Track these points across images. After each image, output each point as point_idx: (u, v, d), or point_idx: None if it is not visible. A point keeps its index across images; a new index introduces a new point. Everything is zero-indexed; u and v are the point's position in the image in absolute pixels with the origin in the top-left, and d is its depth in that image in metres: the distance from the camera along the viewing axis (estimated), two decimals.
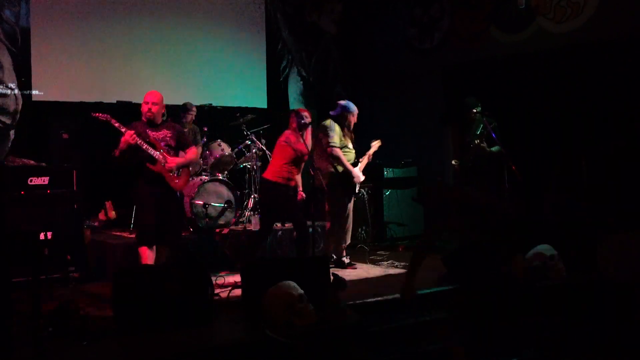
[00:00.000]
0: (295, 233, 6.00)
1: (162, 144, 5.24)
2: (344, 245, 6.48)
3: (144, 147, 5.09)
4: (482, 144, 6.77)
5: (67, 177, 5.96)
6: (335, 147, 6.20)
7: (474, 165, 6.95)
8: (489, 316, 5.07)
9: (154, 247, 5.20)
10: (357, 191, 6.46)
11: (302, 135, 5.80)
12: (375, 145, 6.62)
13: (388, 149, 6.89)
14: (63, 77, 7.56)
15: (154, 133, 5.22)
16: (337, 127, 6.29)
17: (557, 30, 7.34)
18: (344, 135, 6.33)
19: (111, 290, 4.45)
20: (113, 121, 5.06)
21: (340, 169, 6.24)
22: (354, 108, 6.37)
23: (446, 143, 8.12)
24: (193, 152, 5.46)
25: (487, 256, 5.73)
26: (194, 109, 7.37)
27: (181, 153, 5.40)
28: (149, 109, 5.19)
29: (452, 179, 7.60)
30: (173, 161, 5.24)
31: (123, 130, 5.04)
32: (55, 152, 6.99)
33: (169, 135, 5.29)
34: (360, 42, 9.72)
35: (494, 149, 6.81)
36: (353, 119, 6.38)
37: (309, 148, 5.84)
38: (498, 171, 6.85)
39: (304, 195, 5.97)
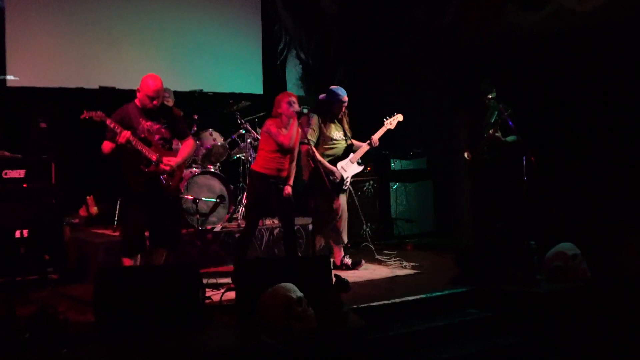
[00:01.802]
0: (282, 230, 5.96)
1: (157, 137, 5.12)
2: (341, 245, 6.47)
3: (138, 147, 4.96)
4: (496, 134, 6.74)
5: (45, 170, 5.94)
6: (306, 143, 6.00)
7: (488, 157, 6.92)
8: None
9: (138, 257, 5.17)
10: (344, 187, 6.38)
11: (287, 124, 5.70)
12: (387, 126, 6.47)
13: (395, 138, 6.85)
14: (41, 60, 7.52)
15: (148, 123, 5.08)
16: (315, 119, 6.24)
17: (580, 9, 7.27)
18: (328, 127, 6.29)
19: (93, 293, 4.43)
20: (109, 121, 4.88)
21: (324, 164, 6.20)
22: (341, 95, 6.27)
23: (458, 132, 8.09)
24: (190, 145, 5.32)
25: (500, 255, 5.75)
26: (168, 94, 7.27)
27: (175, 142, 5.32)
28: (155, 105, 5.05)
29: (464, 171, 7.58)
30: (170, 162, 5.10)
31: (118, 130, 4.87)
32: (32, 143, 6.96)
33: (165, 124, 5.17)
34: (364, 22, 9.68)
35: (510, 138, 6.78)
36: (340, 107, 6.30)
37: (293, 140, 5.68)
38: (515, 163, 6.83)
39: (289, 190, 5.82)
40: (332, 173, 6.25)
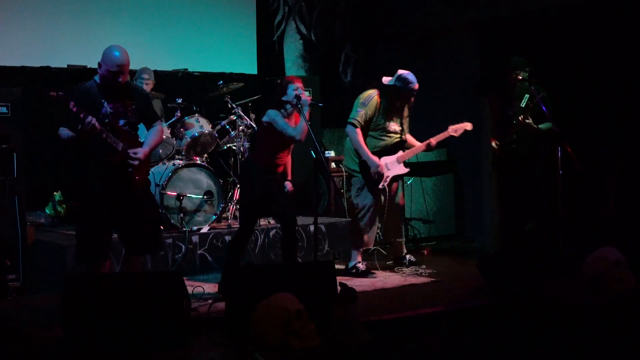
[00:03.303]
0: (281, 231, 6.01)
1: (121, 121, 5.03)
2: (361, 249, 6.59)
3: (103, 135, 4.88)
4: (527, 120, 6.75)
5: (6, 162, 5.95)
6: (351, 123, 6.34)
7: (519, 148, 6.93)
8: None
9: (105, 262, 5.12)
10: (381, 185, 6.45)
11: (290, 114, 5.74)
12: (451, 132, 6.59)
13: (411, 126, 6.86)
14: (0, 36, 7.54)
15: (111, 105, 4.99)
16: (373, 102, 6.39)
17: None
18: (386, 115, 6.40)
19: (61, 304, 4.45)
20: (72, 104, 4.77)
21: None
22: (412, 81, 6.39)
23: (484, 118, 8.10)
24: (160, 131, 5.29)
25: (531, 262, 5.76)
26: (147, 75, 7.28)
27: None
28: (119, 80, 4.92)
29: (491, 164, 7.59)
30: (138, 154, 5.00)
31: (82, 116, 4.76)
32: None
33: (131, 107, 5.08)
34: None
35: (544, 126, 6.78)
36: (408, 96, 6.43)
37: (305, 134, 5.71)
38: (549, 155, 6.83)
39: (292, 187, 5.90)
40: (375, 166, 6.34)
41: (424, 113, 6.78)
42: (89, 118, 4.78)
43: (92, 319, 4.35)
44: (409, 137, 6.65)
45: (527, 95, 6.85)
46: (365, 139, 6.41)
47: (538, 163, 6.99)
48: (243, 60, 8.99)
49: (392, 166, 6.48)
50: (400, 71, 6.45)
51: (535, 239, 6.78)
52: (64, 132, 4.96)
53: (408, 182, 8.27)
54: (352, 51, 9.66)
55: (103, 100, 4.98)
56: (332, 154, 8.43)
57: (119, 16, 8.16)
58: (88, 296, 4.40)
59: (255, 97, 7.66)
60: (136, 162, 5.02)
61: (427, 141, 6.53)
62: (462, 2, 8.69)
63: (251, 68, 9.06)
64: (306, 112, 5.65)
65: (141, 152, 5.05)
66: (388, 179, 6.47)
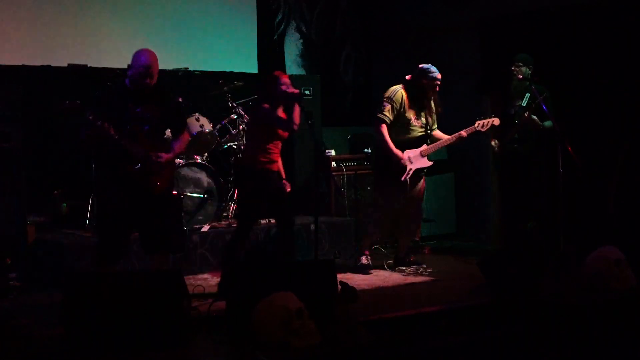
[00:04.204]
0: (278, 230, 6.03)
1: (145, 127, 4.99)
2: (369, 240, 6.73)
3: (122, 142, 4.85)
4: (532, 116, 6.74)
5: (7, 161, 5.96)
6: (380, 120, 6.41)
7: (520, 147, 6.93)
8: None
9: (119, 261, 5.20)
10: (403, 178, 6.47)
11: (277, 108, 5.74)
12: (478, 127, 6.58)
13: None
14: (1, 35, 7.54)
15: (137, 109, 4.97)
16: (398, 96, 6.46)
17: None
18: (411, 108, 6.46)
19: (61, 303, 4.45)
20: (89, 114, 4.74)
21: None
22: (433, 71, 6.45)
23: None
24: (186, 140, 5.32)
25: (532, 261, 5.77)
26: None
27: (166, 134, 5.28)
28: (147, 81, 4.90)
29: (492, 163, 7.60)
30: (160, 158, 4.99)
31: (99, 124, 4.76)
32: None
33: (157, 112, 5.05)
34: None
35: (547, 123, 6.78)
36: (432, 86, 6.47)
37: (293, 124, 5.70)
38: (549, 154, 6.83)
39: (289, 187, 5.93)
40: (398, 159, 6.38)
41: (472, 132, 6.78)
42: (104, 126, 4.77)
43: (92, 318, 4.36)
44: (437, 132, 6.68)
45: (528, 94, 6.85)
46: (391, 134, 6.45)
47: (539, 162, 6.99)
48: (244, 59, 8.98)
49: (415, 159, 6.50)
50: (420, 65, 6.52)
51: (535, 239, 6.78)
52: (86, 136, 4.96)
53: None
54: (353, 50, 9.65)
55: (129, 104, 4.97)
56: (332, 153, 8.42)
57: (120, 15, 8.15)
58: (88, 295, 4.42)
59: (256, 96, 7.65)
60: (156, 167, 4.99)
61: (458, 133, 6.56)
62: (463, 1, 8.69)
63: (252, 67, 9.05)
64: (294, 106, 5.65)
65: (164, 157, 5.04)
66: (411, 172, 6.49)
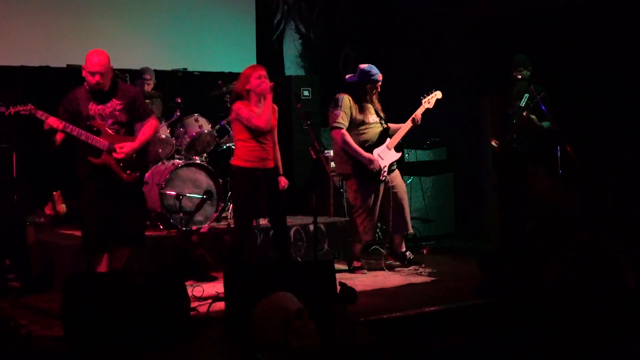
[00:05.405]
0: (272, 227, 6.05)
1: (110, 121, 5.18)
2: (359, 245, 6.63)
3: (82, 137, 5.04)
4: (531, 115, 6.75)
5: (5, 161, 5.97)
6: (338, 128, 6.40)
7: (519, 146, 6.94)
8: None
9: (104, 255, 5.25)
10: (382, 177, 6.50)
11: (258, 103, 5.73)
12: (425, 105, 6.59)
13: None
14: (0, 36, 7.54)
15: (99, 107, 5.16)
16: (346, 101, 6.45)
17: None
18: (360, 110, 6.46)
19: (60, 303, 4.45)
20: (37, 112, 4.97)
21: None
22: (375, 73, 6.50)
23: (484, 117, 8.11)
24: (152, 126, 5.38)
25: (531, 261, 5.77)
26: (149, 75, 7.30)
27: (137, 126, 5.36)
28: (97, 82, 5.11)
29: (491, 163, 7.60)
30: (124, 149, 5.16)
31: (44, 118, 4.96)
32: None
33: (119, 106, 5.22)
34: None
35: (545, 124, 6.79)
36: (374, 87, 6.52)
37: (270, 120, 5.70)
38: (549, 154, 6.84)
39: (286, 182, 5.93)
40: (371, 162, 6.38)
41: (424, 112, 6.76)
42: (49, 119, 4.95)
43: (91, 319, 4.36)
44: (391, 125, 6.66)
45: (526, 95, 6.86)
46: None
47: (539, 162, 7.00)
48: (242, 59, 8.96)
49: (384, 155, 6.51)
50: (361, 65, 6.55)
51: (535, 239, 6.78)
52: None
53: (407, 182, 8.27)
54: (352, 50, 9.66)
55: (90, 104, 5.14)
56: (331, 153, 8.42)
57: (119, 16, 8.16)
58: (88, 296, 4.42)
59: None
60: (121, 156, 5.13)
61: (411, 117, 6.54)
62: (463, 1, 8.69)
63: None
64: (267, 99, 5.68)
65: (126, 147, 5.17)
66: (386, 169, 6.50)
